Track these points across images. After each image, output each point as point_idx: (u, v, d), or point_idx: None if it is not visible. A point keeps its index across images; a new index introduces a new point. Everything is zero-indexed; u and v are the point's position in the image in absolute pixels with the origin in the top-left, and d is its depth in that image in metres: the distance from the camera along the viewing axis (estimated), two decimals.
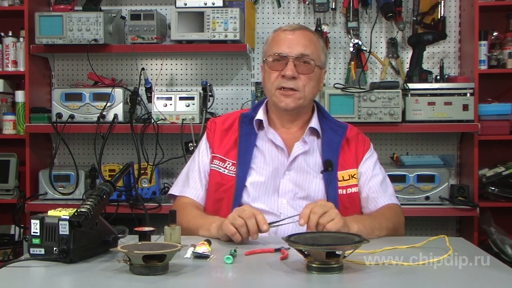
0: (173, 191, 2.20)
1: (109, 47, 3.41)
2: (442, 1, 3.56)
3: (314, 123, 2.14)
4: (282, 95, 2.06)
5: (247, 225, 1.77)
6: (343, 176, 2.08)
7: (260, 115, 2.15)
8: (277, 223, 1.91)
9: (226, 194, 2.07)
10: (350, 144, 2.14)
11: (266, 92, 2.15)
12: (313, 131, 2.14)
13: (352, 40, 3.60)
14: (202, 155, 2.18)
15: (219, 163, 2.11)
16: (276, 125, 2.15)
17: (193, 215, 2.02)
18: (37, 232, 1.61)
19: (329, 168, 2.06)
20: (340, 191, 2.07)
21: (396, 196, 2.20)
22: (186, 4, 3.33)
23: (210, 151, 2.16)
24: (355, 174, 2.10)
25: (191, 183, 2.15)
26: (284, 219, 1.93)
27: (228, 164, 2.10)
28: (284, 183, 2.08)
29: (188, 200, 2.13)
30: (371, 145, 2.21)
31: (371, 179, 2.12)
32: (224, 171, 2.09)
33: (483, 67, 3.41)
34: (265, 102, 2.20)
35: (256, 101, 3.39)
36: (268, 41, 2.17)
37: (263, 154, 2.11)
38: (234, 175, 2.08)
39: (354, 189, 2.09)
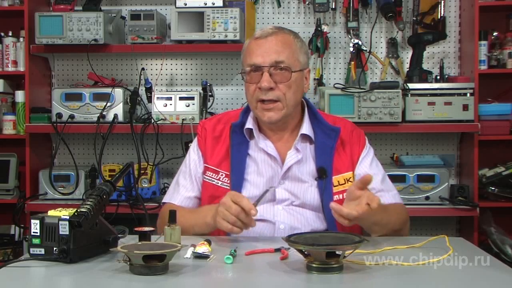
0: (165, 199, 2.16)
1: (109, 47, 3.41)
2: (442, 1, 3.56)
3: (306, 128, 2.06)
4: (263, 109, 1.99)
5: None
6: (338, 181, 2.02)
7: (250, 123, 2.08)
8: (259, 201, 1.83)
9: None
10: (345, 147, 2.07)
11: (249, 104, 2.07)
12: (305, 136, 2.06)
13: (352, 40, 3.59)
14: (193, 162, 2.12)
15: (212, 175, 2.06)
16: (266, 132, 2.08)
17: (182, 214, 1.91)
18: (37, 232, 1.61)
19: (323, 176, 2.00)
20: (336, 197, 2.00)
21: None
22: (186, 4, 3.33)
23: (203, 160, 2.10)
24: (351, 178, 2.04)
25: (181, 191, 2.11)
26: (262, 194, 1.86)
27: (222, 175, 2.04)
28: (280, 193, 2.03)
29: (175, 206, 2.06)
30: (366, 141, 2.13)
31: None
32: (218, 182, 2.04)
33: (483, 67, 3.41)
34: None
35: None
36: (243, 51, 2.07)
37: (256, 163, 2.05)
38: (228, 187, 2.01)
39: None
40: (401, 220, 2.01)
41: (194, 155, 2.13)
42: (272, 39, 2.00)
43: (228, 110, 2.33)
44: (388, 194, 2.05)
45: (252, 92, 2.01)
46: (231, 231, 1.78)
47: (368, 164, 2.09)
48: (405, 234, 2.04)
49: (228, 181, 2.02)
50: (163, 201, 2.17)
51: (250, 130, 2.07)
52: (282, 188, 2.03)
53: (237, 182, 2.01)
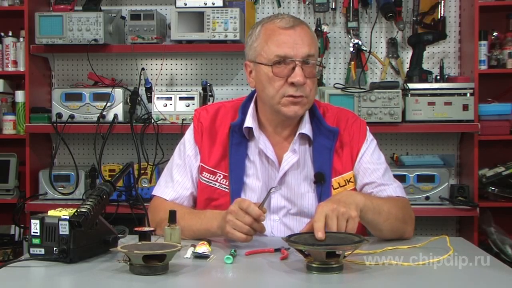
0: (156, 192, 2.06)
1: (109, 47, 3.42)
2: (442, 1, 3.56)
3: (306, 128, 1.94)
4: (291, 103, 1.85)
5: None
6: (338, 183, 1.92)
7: (249, 121, 1.95)
8: (263, 203, 1.74)
9: (219, 209, 1.86)
10: (345, 146, 1.95)
11: (265, 99, 1.91)
12: (304, 137, 1.95)
13: (352, 40, 3.60)
14: (189, 158, 2.00)
15: (209, 176, 1.96)
16: (267, 130, 1.96)
17: (181, 215, 1.81)
18: (37, 232, 1.61)
19: (321, 181, 1.89)
20: None
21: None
22: (186, 4, 3.34)
23: (200, 157, 1.99)
24: (351, 178, 1.94)
25: (176, 187, 2.00)
26: (266, 197, 1.78)
27: (219, 176, 1.94)
28: (276, 199, 1.94)
29: (167, 202, 1.99)
30: (366, 133, 2.00)
31: (372, 173, 1.95)
32: (215, 184, 1.95)
33: (483, 67, 3.41)
34: (252, 104, 1.99)
35: None
36: (259, 37, 1.89)
37: (254, 166, 1.95)
38: (227, 189, 1.93)
39: None
40: (402, 211, 1.86)
41: (190, 149, 2.02)
42: (300, 30, 1.87)
43: (224, 101, 2.18)
44: (390, 188, 1.94)
45: (279, 87, 1.85)
46: (245, 241, 1.71)
47: (369, 158, 1.97)
48: (410, 231, 1.89)
49: (227, 183, 1.93)
50: (153, 193, 2.08)
51: (249, 128, 1.96)
52: (278, 194, 1.94)
53: (237, 185, 1.93)
